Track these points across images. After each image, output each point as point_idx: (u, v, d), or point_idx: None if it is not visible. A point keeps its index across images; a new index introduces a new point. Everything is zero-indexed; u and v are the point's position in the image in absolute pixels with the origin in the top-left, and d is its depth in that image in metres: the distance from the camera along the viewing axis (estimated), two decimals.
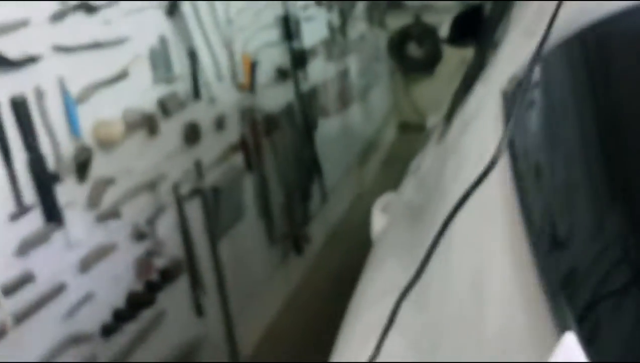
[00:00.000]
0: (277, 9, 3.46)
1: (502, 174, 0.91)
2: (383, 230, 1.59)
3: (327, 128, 4.12)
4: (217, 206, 2.79)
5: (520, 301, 0.72)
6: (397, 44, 5.79)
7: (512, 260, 0.78)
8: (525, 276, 0.73)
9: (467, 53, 5.52)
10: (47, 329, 1.88)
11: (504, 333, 0.72)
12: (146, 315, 2.29)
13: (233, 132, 2.98)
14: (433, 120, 2.74)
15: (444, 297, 0.89)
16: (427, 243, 0.92)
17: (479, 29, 2.77)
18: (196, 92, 2.66)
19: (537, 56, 0.93)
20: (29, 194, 1.82)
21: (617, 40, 0.97)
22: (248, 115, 3.11)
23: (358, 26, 4.83)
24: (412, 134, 5.95)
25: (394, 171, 5.15)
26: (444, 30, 2.91)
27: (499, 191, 0.90)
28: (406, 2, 5.68)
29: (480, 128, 1.10)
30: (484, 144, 1.02)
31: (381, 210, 1.71)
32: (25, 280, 1.78)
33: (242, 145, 3.04)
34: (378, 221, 1.68)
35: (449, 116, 1.59)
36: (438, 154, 1.35)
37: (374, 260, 1.35)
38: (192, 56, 2.63)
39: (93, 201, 2.07)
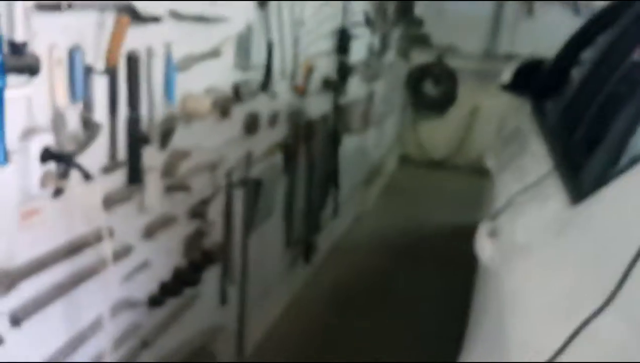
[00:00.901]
0: (336, 21, 3.50)
1: None
2: (500, 254, 1.62)
3: (348, 145, 4.16)
4: (256, 200, 2.80)
5: None
6: (415, 80, 5.89)
7: None
8: None
9: (482, 102, 5.66)
10: (107, 289, 1.85)
11: None
12: (187, 293, 2.27)
13: (280, 132, 3.00)
14: (490, 161, 2.81)
15: None
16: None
17: (538, 83, 2.87)
18: (264, 85, 2.67)
19: None
20: (122, 151, 1.81)
21: None
22: (295, 117, 3.13)
23: (390, 54, 4.91)
24: (412, 167, 6.06)
25: (392, 198, 5.24)
26: (505, 77, 2.99)
27: None
28: (433, 40, 5.78)
29: None
30: None
31: (489, 236, 1.75)
32: (107, 234, 1.76)
33: (285, 145, 3.06)
34: (488, 246, 1.72)
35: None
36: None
37: (524, 277, 1.35)
38: (269, 49, 2.65)
39: (168, 170, 2.06)
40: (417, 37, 5.73)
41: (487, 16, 5.61)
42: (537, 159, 2.02)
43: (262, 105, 2.70)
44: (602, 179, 1.31)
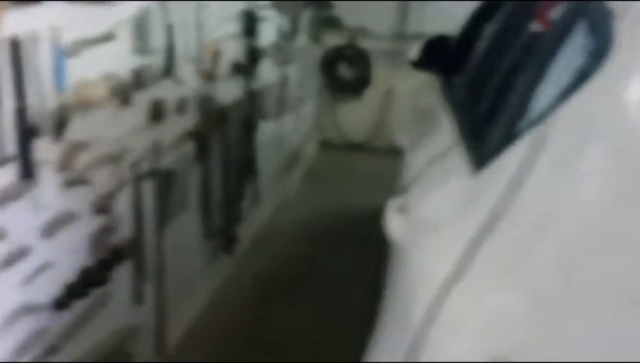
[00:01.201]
0: (242, 3, 3.40)
1: None
2: (407, 229, 1.59)
3: (264, 132, 4.07)
4: (169, 191, 2.68)
5: None
6: (330, 63, 5.85)
7: None
8: None
9: (396, 83, 5.67)
10: (4, 294, 1.72)
11: None
12: (97, 293, 2.14)
13: (190, 119, 2.88)
14: (403, 139, 2.79)
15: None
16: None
17: (444, 59, 2.85)
18: (168, 70, 2.55)
19: None
20: (10, 144, 1.67)
21: None
22: (205, 104, 3.02)
23: (301, 38, 4.84)
24: (332, 151, 6.02)
25: (313, 184, 5.18)
26: (413, 54, 2.97)
27: None
28: (344, 22, 5.73)
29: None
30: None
31: (398, 212, 1.70)
32: None
33: (195, 134, 2.95)
34: (397, 221, 1.68)
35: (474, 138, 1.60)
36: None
37: (430, 251, 1.32)
38: (170, 32, 2.53)
39: (65, 163, 1.92)
40: (328, 20, 5.68)
41: None
42: (444, 132, 2.00)
43: (167, 91, 2.58)
44: (500, 146, 1.29)
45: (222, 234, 3.44)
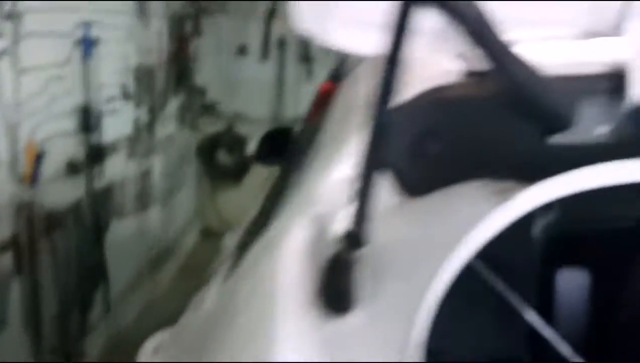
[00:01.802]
0: (76, 98, 3.17)
1: None
2: None
3: (120, 230, 3.79)
4: None
5: None
6: (207, 150, 5.67)
7: None
8: None
9: (277, 167, 5.53)
10: None
11: None
12: None
13: (3, 229, 2.59)
14: (230, 240, 2.58)
15: None
16: None
17: (286, 150, 2.71)
18: None
19: None
20: None
21: None
22: (25, 211, 2.73)
23: (168, 126, 4.63)
24: (214, 242, 5.75)
25: (192, 279, 4.87)
26: (252, 147, 2.81)
27: None
28: (220, 108, 5.59)
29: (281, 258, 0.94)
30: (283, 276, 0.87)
31: (152, 351, 1.46)
32: None
33: (12, 244, 2.65)
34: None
35: (243, 246, 1.41)
36: (226, 288, 1.15)
37: None
38: None
39: None
40: (203, 107, 5.52)
41: (270, 81, 5.53)
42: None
43: None
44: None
45: (58, 351, 3.09)
